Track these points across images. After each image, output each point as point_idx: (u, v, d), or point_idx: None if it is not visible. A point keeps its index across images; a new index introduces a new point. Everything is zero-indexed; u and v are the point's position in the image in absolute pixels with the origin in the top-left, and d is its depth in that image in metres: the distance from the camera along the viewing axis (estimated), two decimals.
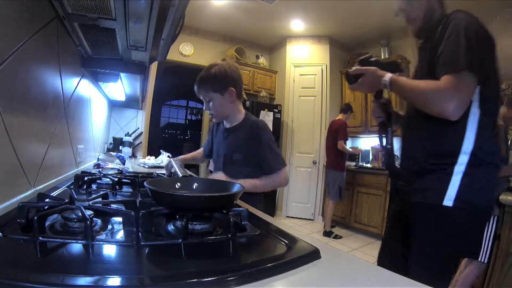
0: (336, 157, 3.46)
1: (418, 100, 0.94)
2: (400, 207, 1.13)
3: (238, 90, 1.23)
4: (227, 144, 1.28)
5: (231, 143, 1.26)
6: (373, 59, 1.08)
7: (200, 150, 1.62)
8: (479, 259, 1.72)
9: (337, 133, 3.40)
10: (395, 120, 1.18)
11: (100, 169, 1.53)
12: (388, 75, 0.98)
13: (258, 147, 1.18)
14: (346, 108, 3.61)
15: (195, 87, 1.24)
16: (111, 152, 2.42)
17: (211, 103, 1.22)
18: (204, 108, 1.28)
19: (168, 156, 2.42)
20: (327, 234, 3.49)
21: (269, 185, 1.19)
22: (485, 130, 0.90)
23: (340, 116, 3.61)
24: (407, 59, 3.80)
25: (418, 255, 0.96)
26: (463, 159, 0.88)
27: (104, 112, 2.53)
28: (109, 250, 0.51)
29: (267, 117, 4.12)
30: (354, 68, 1.08)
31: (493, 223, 1.71)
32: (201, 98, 1.25)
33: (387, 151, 1.19)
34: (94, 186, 1.10)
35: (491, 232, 1.71)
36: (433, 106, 0.88)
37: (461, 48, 0.86)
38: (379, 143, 1.27)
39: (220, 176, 1.21)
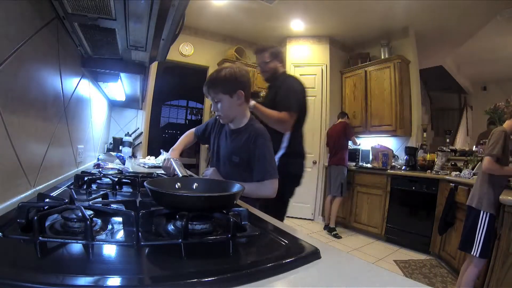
0: (342, 154, 3.64)
1: (269, 121, 1.63)
2: None
3: (247, 93, 1.25)
4: (228, 145, 1.30)
5: (231, 145, 1.28)
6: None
7: (188, 133, 1.57)
8: (472, 253, 1.77)
9: (345, 132, 3.63)
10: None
11: (100, 169, 1.53)
12: (252, 102, 1.56)
13: (253, 154, 1.20)
14: (343, 114, 3.91)
15: (205, 88, 1.24)
16: (111, 152, 2.42)
17: (219, 104, 1.22)
18: (212, 109, 1.28)
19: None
20: (330, 230, 3.51)
21: (253, 192, 1.17)
22: (293, 139, 1.74)
23: (340, 120, 3.83)
24: (407, 59, 3.81)
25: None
26: (281, 152, 1.72)
27: (104, 112, 2.53)
28: (109, 250, 0.51)
29: None
30: None
31: (485, 219, 1.75)
32: (210, 99, 1.26)
33: None
34: (94, 186, 1.10)
35: (483, 227, 1.74)
36: (277, 125, 1.66)
37: (291, 98, 1.70)
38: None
39: (211, 171, 1.25)
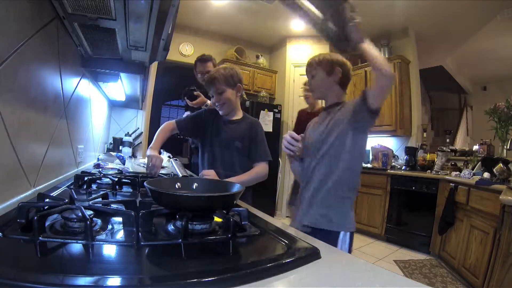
0: None
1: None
2: None
3: (242, 88, 1.46)
4: (229, 132, 1.42)
5: (233, 132, 1.42)
6: (195, 92, 2.13)
7: (164, 128, 1.47)
8: None
9: None
10: None
11: (100, 169, 1.53)
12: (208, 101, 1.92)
13: (254, 139, 1.40)
14: None
15: (207, 83, 1.41)
16: (111, 152, 2.42)
17: (223, 94, 1.38)
18: (213, 101, 1.42)
19: (169, 157, 2.42)
20: None
21: (253, 178, 1.34)
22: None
23: None
24: (407, 59, 3.81)
25: None
26: None
27: (104, 112, 2.52)
28: (109, 250, 0.51)
29: (267, 117, 4.11)
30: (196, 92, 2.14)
31: None
32: (211, 93, 1.41)
33: None
34: (94, 186, 1.10)
35: None
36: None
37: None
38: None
39: (210, 172, 1.29)
